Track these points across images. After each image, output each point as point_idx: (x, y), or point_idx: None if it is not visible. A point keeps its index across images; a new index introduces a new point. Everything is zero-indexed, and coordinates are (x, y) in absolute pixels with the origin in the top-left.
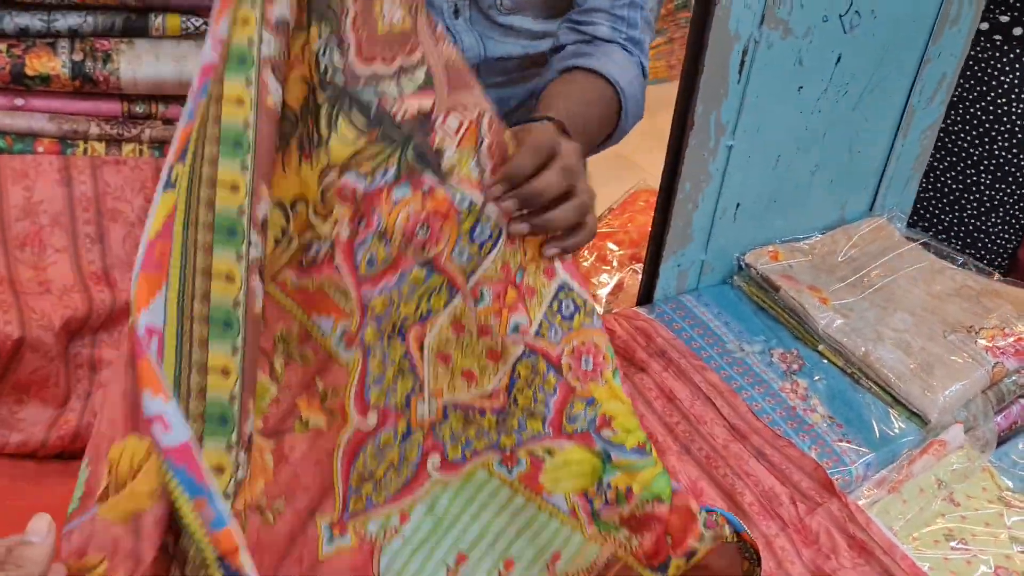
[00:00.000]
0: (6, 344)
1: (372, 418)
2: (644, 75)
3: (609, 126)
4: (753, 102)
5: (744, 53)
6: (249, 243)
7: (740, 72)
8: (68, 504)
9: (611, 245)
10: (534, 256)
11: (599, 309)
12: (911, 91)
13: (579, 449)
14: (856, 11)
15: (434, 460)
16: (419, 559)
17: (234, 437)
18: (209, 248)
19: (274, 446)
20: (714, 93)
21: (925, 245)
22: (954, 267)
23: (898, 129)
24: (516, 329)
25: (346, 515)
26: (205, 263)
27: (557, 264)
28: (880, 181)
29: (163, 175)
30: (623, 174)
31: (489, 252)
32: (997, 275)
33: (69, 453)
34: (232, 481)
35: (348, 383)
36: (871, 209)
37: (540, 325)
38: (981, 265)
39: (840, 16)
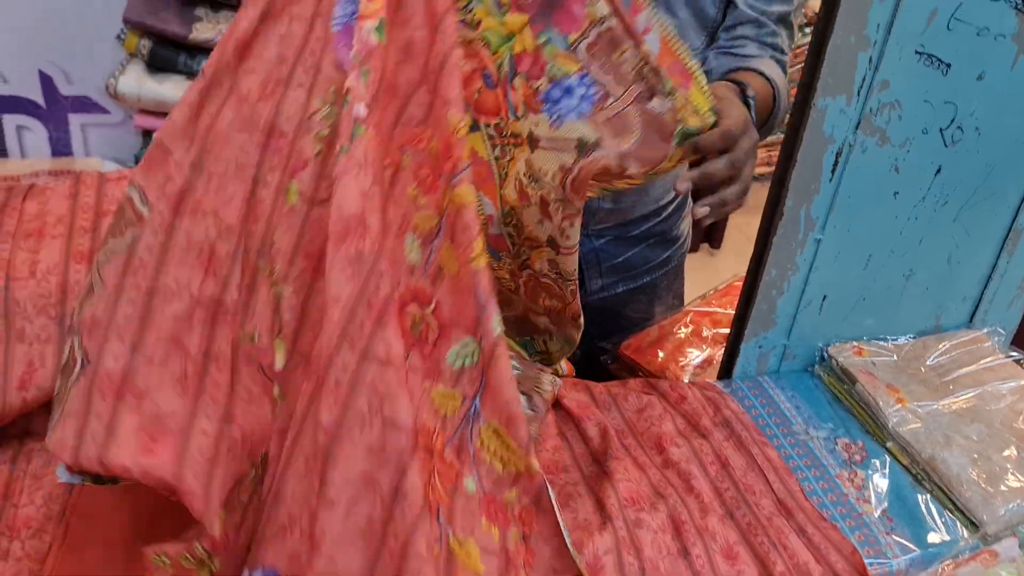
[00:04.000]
0: None
1: None
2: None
3: (764, 119)
4: (845, 201)
5: (838, 155)
6: None
7: (833, 172)
8: None
9: (707, 323)
10: None
11: None
12: (1019, 210)
13: None
14: (959, 127)
15: None
16: None
17: None
18: None
19: None
20: (805, 189)
21: (1020, 362)
22: None
23: (1003, 246)
24: None
25: None
26: None
27: None
28: (981, 296)
29: None
30: (726, 262)
31: None
32: None
33: None
34: None
35: None
36: (970, 322)
37: None
38: None
39: (941, 130)
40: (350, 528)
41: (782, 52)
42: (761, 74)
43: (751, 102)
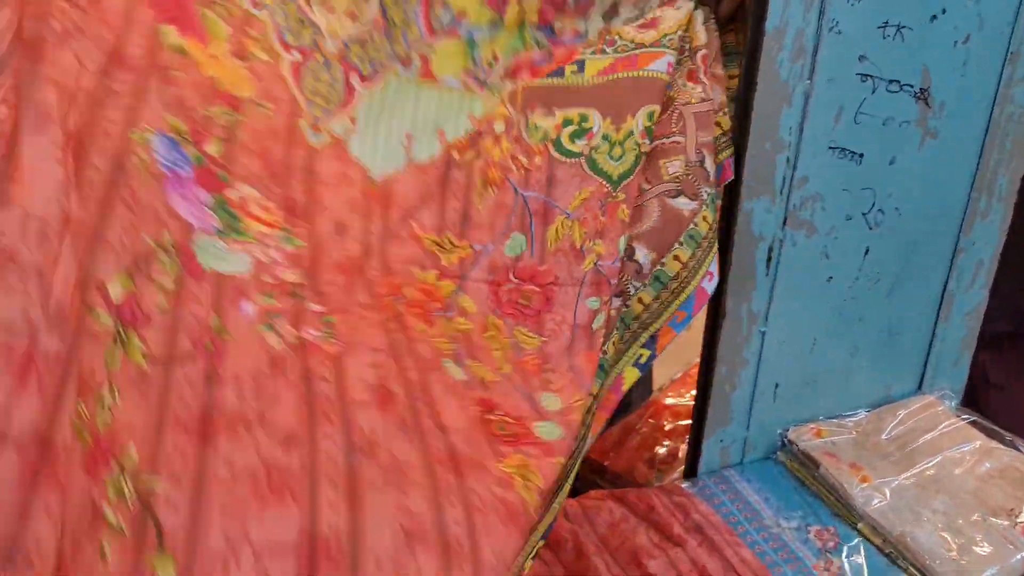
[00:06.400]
0: None
1: (296, 54)
2: None
3: None
4: (783, 292)
5: (770, 251)
6: None
7: (768, 267)
8: None
9: (668, 416)
10: None
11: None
12: (948, 279)
13: (449, 41)
14: (880, 209)
15: (354, 78)
16: (380, 143)
17: None
18: None
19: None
20: (743, 287)
21: (973, 423)
22: (1003, 447)
23: (938, 313)
24: None
25: (316, 120)
26: None
27: None
28: (926, 362)
29: None
30: (683, 351)
31: None
32: None
33: None
34: None
35: (267, 31)
36: (919, 388)
37: None
38: None
39: (864, 214)
40: None
41: None
42: None
43: None
